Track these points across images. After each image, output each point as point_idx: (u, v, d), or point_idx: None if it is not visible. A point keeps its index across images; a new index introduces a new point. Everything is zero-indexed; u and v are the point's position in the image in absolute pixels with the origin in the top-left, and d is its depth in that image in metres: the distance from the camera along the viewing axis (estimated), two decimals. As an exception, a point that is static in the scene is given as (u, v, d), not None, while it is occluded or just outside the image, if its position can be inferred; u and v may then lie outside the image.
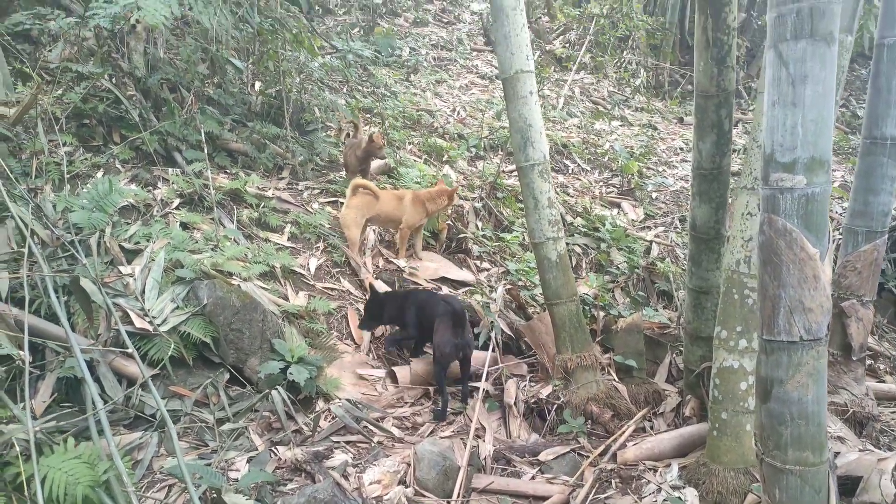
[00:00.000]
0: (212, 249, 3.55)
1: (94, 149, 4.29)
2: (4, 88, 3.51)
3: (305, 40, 4.98)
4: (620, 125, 9.65)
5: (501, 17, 2.80)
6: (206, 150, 4.14)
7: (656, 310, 4.88)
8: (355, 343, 3.40)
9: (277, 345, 3.10)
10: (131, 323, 2.87)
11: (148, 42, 4.86)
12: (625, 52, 11.62)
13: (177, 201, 4.05)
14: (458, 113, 8.76)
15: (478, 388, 3.09)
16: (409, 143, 6.90)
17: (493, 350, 3.29)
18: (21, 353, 2.24)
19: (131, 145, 4.37)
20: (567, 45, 11.94)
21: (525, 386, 3.09)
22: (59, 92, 4.35)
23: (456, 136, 7.70)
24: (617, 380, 3.11)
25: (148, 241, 3.49)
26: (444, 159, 6.84)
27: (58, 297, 2.81)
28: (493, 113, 9.13)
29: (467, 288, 3.96)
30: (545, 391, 3.00)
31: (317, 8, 10.33)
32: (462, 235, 4.61)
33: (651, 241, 5.90)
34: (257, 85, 5.74)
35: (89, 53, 4.54)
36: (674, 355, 3.40)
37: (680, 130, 9.61)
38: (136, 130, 4.39)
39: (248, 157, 5.00)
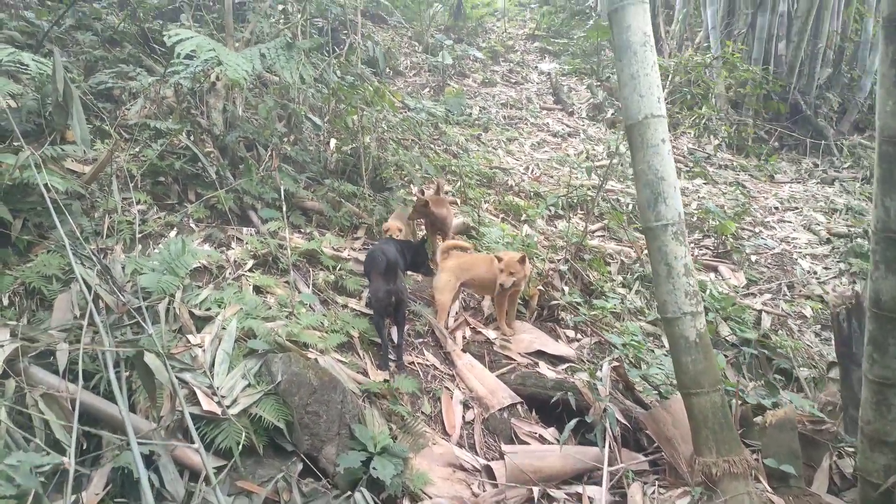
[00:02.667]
0: (286, 317, 3.21)
1: (167, 207, 4.11)
2: (83, 146, 3.36)
3: (386, 95, 4.75)
4: (704, 183, 9.09)
5: (628, 55, 2.43)
6: (283, 209, 3.87)
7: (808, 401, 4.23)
8: (445, 429, 2.94)
9: (358, 431, 2.67)
10: (198, 403, 2.51)
11: (227, 99, 4.75)
12: (703, 108, 11.16)
13: (250, 263, 3.76)
14: (532, 171, 8.42)
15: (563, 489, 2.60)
16: (486, 202, 6.56)
17: (609, 445, 2.75)
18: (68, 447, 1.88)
19: (206, 204, 4.17)
20: (641, 102, 11.58)
21: (654, 492, 2.53)
22: (136, 149, 4.23)
23: (532, 194, 7.33)
24: (771, 490, 2.52)
25: (220, 306, 3.18)
26: (522, 218, 6.45)
27: (118, 373, 2.50)
28: (567, 170, 8.78)
29: (567, 364, 3.45)
30: (682, 502, 2.44)
31: (388, 70, 10.38)
32: (554, 302, 4.14)
33: (760, 311, 5.25)
34: (332, 142, 5.57)
35: (168, 111, 4.43)
36: (834, 458, 2.78)
37: (772, 189, 8.95)
38: (212, 188, 4.20)
39: (323, 216, 4.74)
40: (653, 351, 4.06)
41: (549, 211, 6.79)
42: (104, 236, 3.68)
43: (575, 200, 7.27)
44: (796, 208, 8.03)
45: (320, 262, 3.92)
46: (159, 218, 3.98)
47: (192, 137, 4.24)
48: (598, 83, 12.68)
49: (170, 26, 4.93)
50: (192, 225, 4.04)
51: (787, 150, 10.51)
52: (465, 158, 7.67)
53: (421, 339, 3.54)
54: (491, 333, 3.59)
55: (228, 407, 2.50)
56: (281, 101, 4.72)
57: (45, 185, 3.32)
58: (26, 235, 3.51)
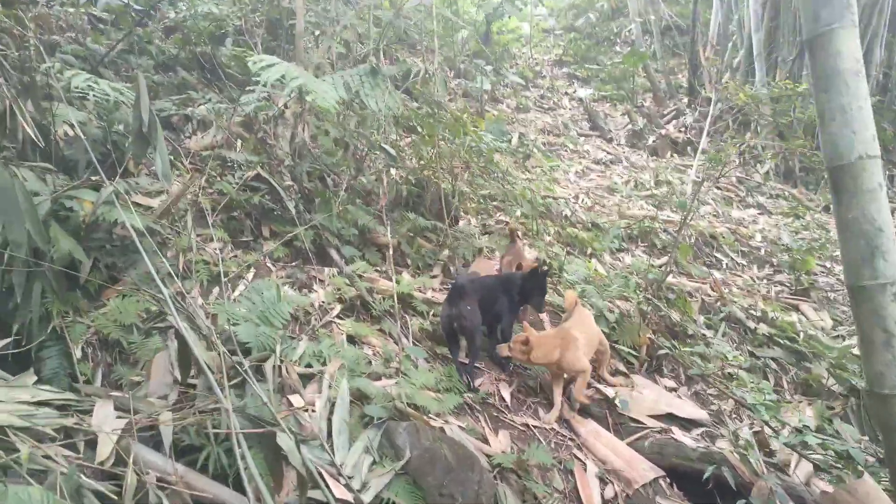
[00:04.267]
0: (395, 374, 2.86)
1: (242, 245, 3.78)
2: (164, 180, 3.06)
3: (468, 123, 4.46)
4: (759, 213, 8.75)
5: (836, 85, 2.11)
6: (387, 254, 3.55)
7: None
8: (584, 508, 2.57)
9: (499, 517, 2.31)
10: (318, 486, 2.15)
11: (294, 128, 4.46)
12: (748, 135, 10.87)
13: (337, 307, 3.43)
14: (582, 200, 8.10)
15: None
16: (547, 234, 6.23)
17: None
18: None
19: (283, 241, 3.85)
20: (683, 129, 11.30)
21: None
22: (205, 181, 3.93)
23: (590, 224, 7.01)
24: None
25: (319, 361, 2.84)
26: (588, 252, 6.11)
27: (227, 449, 2.14)
28: (618, 199, 8.47)
29: (702, 429, 3.08)
30: None
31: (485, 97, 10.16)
32: (662, 352, 3.78)
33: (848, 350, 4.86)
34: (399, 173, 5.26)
35: (238, 140, 4.14)
36: None
37: (829, 219, 8.60)
38: (287, 224, 3.88)
39: (397, 253, 4.42)
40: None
41: (613, 244, 6.44)
42: (180, 277, 3.36)
43: (635, 232, 6.94)
44: (862, 241, 7.67)
45: (412, 306, 3.59)
46: (235, 257, 3.65)
47: (268, 170, 3.93)
48: (636, 109, 12.44)
49: (250, 53, 4.66)
50: (270, 264, 3.71)
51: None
52: (518, 188, 7.35)
53: (533, 398, 3.18)
54: (610, 391, 3.23)
55: (360, 491, 2.14)
56: (355, 130, 4.41)
57: (121, 223, 3.04)
58: (96, 277, 3.19)
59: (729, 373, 4.43)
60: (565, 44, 17.28)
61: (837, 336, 5.37)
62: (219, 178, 3.92)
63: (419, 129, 4.61)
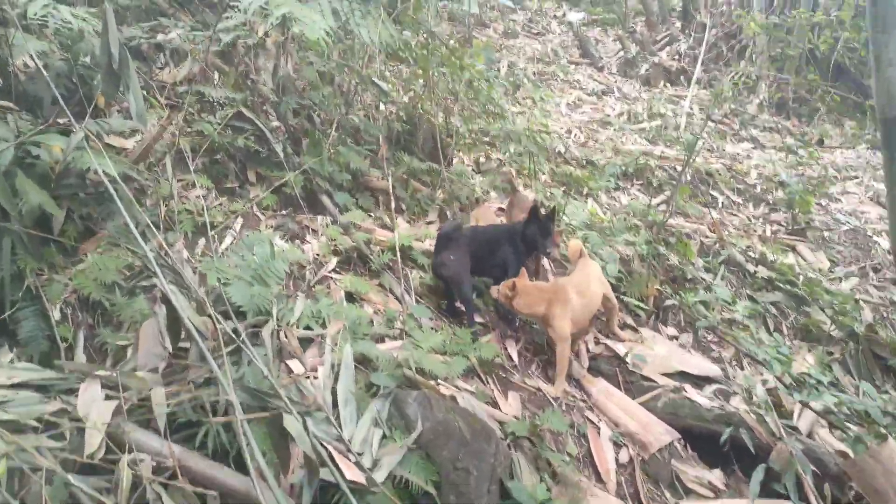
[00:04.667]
0: (399, 336, 2.70)
1: (228, 191, 3.51)
2: (139, 122, 2.75)
3: (464, 56, 4.13)
4: (753, 148, 8.58)
5: (905, 34, 1.88)
6: (380, 199, 3.32)
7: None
8: (598, 475, 2.49)
9: (514, 490, 2.22)
10: (325, 465, 2.02)
11: (278, 59, 4.09)
12: (741, 63, 10.55)
13: (333, 261, 3.22)
14: (575, 135, 7.83)
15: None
16: (542, 173, 6.00)
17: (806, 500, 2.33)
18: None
19: (270, 186, 3.59)
20: (677, 56, 10.92)
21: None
22: (183, 121, 3.60)
23: (584, 162, 6.78)
24: None
25: (318, 322, 2.66)
26: (584, 192, 5.92)
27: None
28: (611, 133, 8.21)
29: (716, 386, 3.00)
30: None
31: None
32: (669, 303, 3.67)
33: (857, 300, 4.84)
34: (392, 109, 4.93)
35: (217, 74, 3.78)
36: None
37: (823, 154, 8.47)
38: (275, 168, 3.61)
39: (388, 196, 4.18)
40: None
41: (609, 182, 6.24)
42: (162, 229, 3.11)
43: (630, 169, 6.74)
44: (855, 177, 7.59)
45: (412, 258, 3.40)
46: (220, 205, 3.39)
47: (251, 108, 3.60)
48: (628, 35, 11.95)
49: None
50: (258, 213, 3.46)
51: (829, 111, 9.98)
52: (508, 121, 7.04)
53: (542, 355, 3.06)
54: (620, 347, 3.12)
55: (372, 470, 2.01)
56: (342, 61, 4.05)
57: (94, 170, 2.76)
58: (71, 229, 2.93)
59: (730, 319, 4.37)
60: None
61: (834, 278, 5.33)
62: (198, 117, 3.59)
63: (410, 62, 4.27)
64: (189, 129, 3.51)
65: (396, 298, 3.08)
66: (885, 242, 5.98)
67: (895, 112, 1.93)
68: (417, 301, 3.09)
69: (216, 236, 3.20)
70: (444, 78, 4.25)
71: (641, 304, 3.56)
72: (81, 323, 2.69)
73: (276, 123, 3.58)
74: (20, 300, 2.67)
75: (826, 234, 6.12)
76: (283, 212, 3.49)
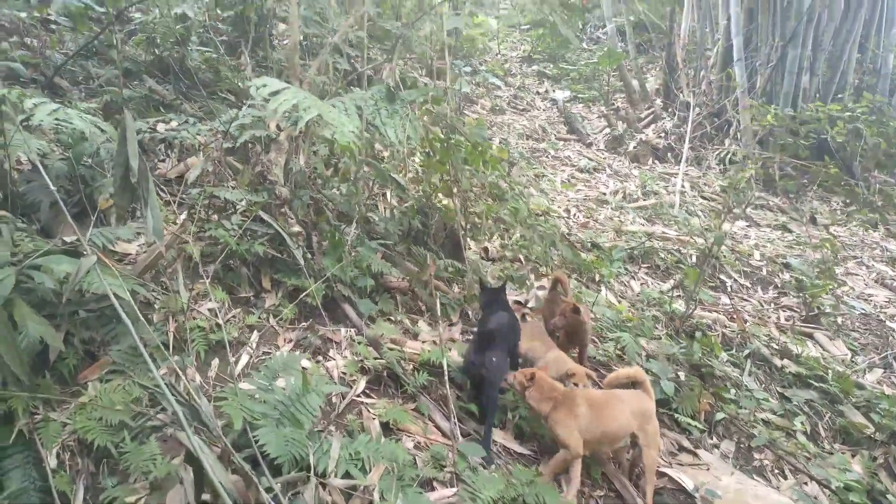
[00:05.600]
0: (451, 480, 2.38)
1: (241, 301, 3.21)
2: (156, 237, 2.47)
3: (487, 152, 3.99)
4: (748, 225, 8.60)
5: None
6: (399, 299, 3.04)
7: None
8: None
9: None
10: None
11: (291, 154, 3.89)
12: (726, 142, 10.75)
13: (362, 381, 2.91)
14: (575, 214, 7.75)
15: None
16: (553, 259, 5.81)
17: None
18: None
19: (285, 293, 3.31)
20: (663, 134, 11.10)
21: None
22: (195, 226, 3.33)
23: (589, 244, 6.64)
24: None
25: (357, 466, 2.34)
26: (596, 279, 5.74)
27: None
28: (609, 212, 8.14)
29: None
30: None
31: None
32: (722, 416, 3.41)
33: (892, 395, 4.65)
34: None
35: (232, 172, 3.55)
36: None
37: (817, 233, 8.51)
38: (291, 272, 3.33)
39: (408, 296, 3.93)
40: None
41: (619, 268, 6.09)
42: (171, 349, 2.79)
43: (636, 252, 6.62)
44: (856, 257, 7.59)
45: (441, 372, 3.10)
46: (234, 317, 3.09)
47: (269, 210, 3.36)
48: (613, 112, 12.18)
49: (221, 57, 4.04)
50: (275, 325, 3.16)
51: (816, 187, 10.13)
52: (511, 202, 6.92)
53: (600, 492, 2.75)
54: (686, 479, 2.83)
55: None
56: (363, 158, 3.86)
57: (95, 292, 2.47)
58: (70, 355, 2.59)
59: (764, 420, 4.14)
60: (532, 40, 16.86)
61: (858, 370, 5.16)
62: (209, 219, 3.33)
63: (430, 155, 4.10)
64: (202, 234, 3.24)
65: (436, 426, 2.76)
66: (899, 328, 5.88)
67: None
68: (462, 432, 2.78)
69: (231, 354, 2.89)
70: (465, 172, 4.09)
71: (694, 423, 3.30)
72: (82, 471, 2.33)
73: (296, 229, 3.33)
74: (10, 446, 2.31)
75: (839, 319, 5.99)
76: (304, 324, 3.19)
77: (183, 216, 3.55)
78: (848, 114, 8.58)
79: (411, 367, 3.04)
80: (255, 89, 2.86)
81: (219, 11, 6.19)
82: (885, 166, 10.45)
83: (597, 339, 4.01)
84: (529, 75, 14.83)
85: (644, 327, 4.28)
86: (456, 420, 2.75)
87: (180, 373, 2.49)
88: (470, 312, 4.01)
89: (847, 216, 9.10)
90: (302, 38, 4.85)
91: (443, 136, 3.96)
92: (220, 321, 2.86)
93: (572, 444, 2.67)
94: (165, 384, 2.25)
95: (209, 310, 3.01)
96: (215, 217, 3.28)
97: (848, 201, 9.65)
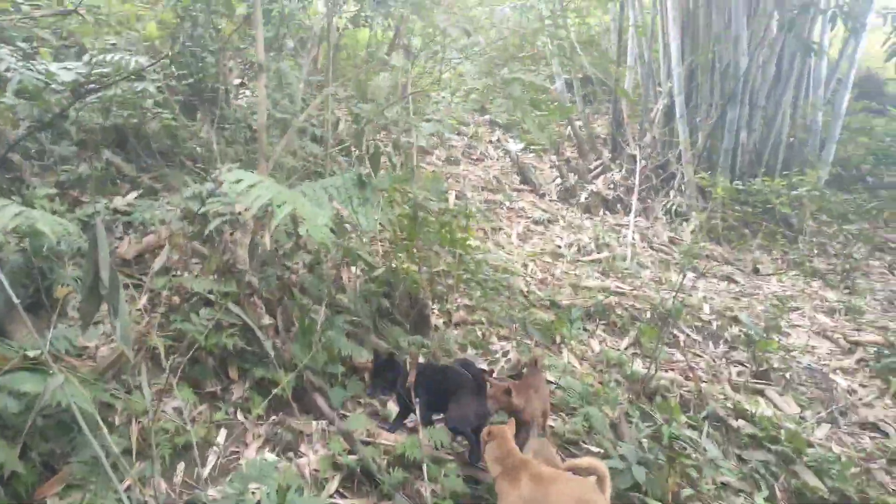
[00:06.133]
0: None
1: (208, 396, 3.13)
2: (124, 344, 2.39)
3: (456, 231, 4.05)
4: (696, 277, 8.92)
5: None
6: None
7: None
8: None
9: None
10: None
11: (256, 233, 3.86)
12: (671, 194, 11.20)
13: (337, 479, 2.86)
14: (532, 269, 7.89)
15: None
16: (516, 319, 5.88)
17: None
18: None
19: (253, 384, 3.24)
20: (612, 185, 11.48)
21: None
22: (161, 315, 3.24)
23: (548, 302, 6.75)
24: None
25: (337, 582, 2.28)
26: (557, 341, 5.83)
27: None
28: (565, 266, 8.32)
29: None
30: None
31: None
32: (687, 493, 3.49)
33: (840, 454, 4.86)
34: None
35: (198, 258, 3.49)
36: None
37: (760, 283, 8.91)
38: (258, 362, 3.27)
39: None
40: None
41: (579, 329, 6.21)
42: (134, 455, 2.68)
43: (593, 310, 6.77)
44: (798, 308, 7.96)
45: (418, 466, 3.08)
46: (200, 414, 3.00)
47: (239, 300, 3.30)
48: (564, 163, 12.55)
49: (180, 122, 4.00)
50: (244, 420, 3.08)
51: (755, 236, 10.62)
52: (470, 261, 6.99)
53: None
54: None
55: None
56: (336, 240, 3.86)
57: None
58: (27, 472, 2.46)
59: (723, 482, 4.25)
60: (483, 89, 17.24)
61: (808, 426, 5.37)
62: (175, 309, 3.25)
63: (398, 231, 4.14)
64: (166, 326, 3.15)
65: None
66: (843, 381, 6.17)
67: None
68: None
69: (198, 456, 2.79)
70: (433, 250, 4.14)
71: (663, 505, 3.37)
72: None
73: (267, 320, 3.28)
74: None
75: (787, 374, 6.24)
76: (274, 418, 3.12)
77: (143, 300, 3.46)
78: (794, 192, 9.22)
79: (386, 461, 3.01)
80: (228, 185, 2.85)
81: (174, 69, 6.16)
82: (815, 217, 11.08)
83: (563, 415, 4.06)
84: (482, 124, 15.17)
85: (609, 397, 4.36)
86: (434, 521, 2.72)
87: (143, 486, 2.39)
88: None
89: (787, 266, 9.56)
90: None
91: (410, 214, 4.00)
92: (187, 422, 2.77)
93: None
94: (129, 498, 2.16)
95: (174, 408, 2.91)
96: (182, 305, 3.21)
97: (786, 250, 10.16)
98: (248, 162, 5.25)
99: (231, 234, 3.70)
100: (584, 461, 2.93)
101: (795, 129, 11.55)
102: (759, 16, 10.45)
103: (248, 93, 6.58)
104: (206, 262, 3.39)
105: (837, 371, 6.40)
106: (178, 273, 3.26)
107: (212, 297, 3.17)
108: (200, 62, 5.52)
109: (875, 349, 6.71)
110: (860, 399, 5.95)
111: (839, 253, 9.92)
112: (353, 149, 4.55)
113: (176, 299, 3.25)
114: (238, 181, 2.88)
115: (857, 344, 6.90)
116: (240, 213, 3.79)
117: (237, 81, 6.73)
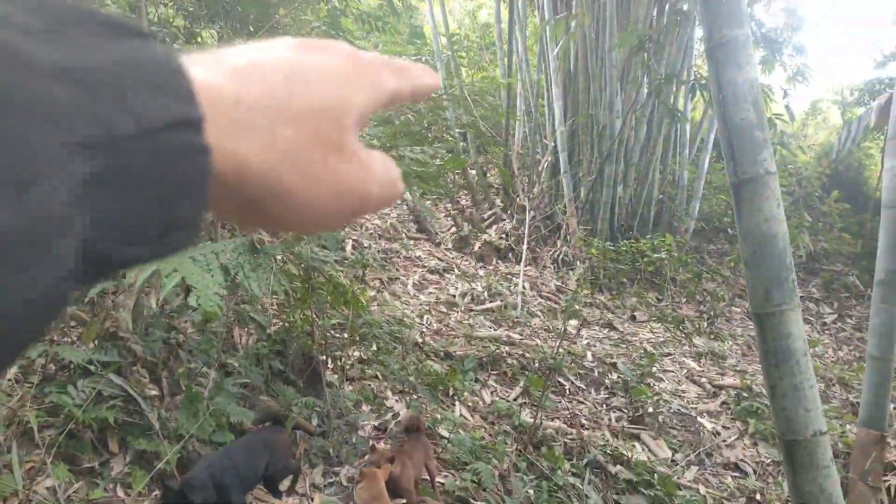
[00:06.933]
0: None
1: (84, 472, 2.98)
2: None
3: (349, 292, 4.14)
4: (580, 325, 9.46)
5: (789, 365, 2.24)
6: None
7: None
8: None
9: None
10: None
11: (141, 294, 3.76)
12: (558, 243, 11.88)
13: (223, 556, 2.80)
14: (428, 320, 8.06)
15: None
16: (407, 373, 5.99)
17: None
18: None
19: (134, 457, 3.12)
20: (503, 235, 12.00)
21: None
22: (32, 388, 3.07)
23: (442, 354, 6.93)
24: None
25: None
26: (450, 394, 5.99)
27: None
28: (458, 315, 8.57)
29: None
30: None
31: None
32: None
33: (706, 495, 5.31)
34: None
35: (76, 322, 3.35)
36: None
37: (637, 330, 9.59)
38: (141, 434, 3.17)
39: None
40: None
41: (472, 381, 6.41)
42: (-1, 544, 2.51)
43: (485, 360, 7.02)
44: (669, 354, 8.63)
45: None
46: (76, 492, 2.86)
47: (120, 370, 3.19)
48: (458, 212, 12.97)
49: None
50: (122, 494, 2.96)
51: (632, 285, 11.46)
52: (365, 313, 7.06)
53: None
54: None
55: None
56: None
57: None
58: None
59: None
60: (382, 137, 17.54)
61: (678, 468, 5.82)
62: (50, 379, 3.09)
63: (289, 292, 4.16)
64: (40, 398, 2.99)
65: None
66: (708, 424, 6.75)
67: (791, 437, 2.26)
68: None
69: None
70: (326, 310, 4.19)
71: (546, 555, 3.56)
72: None
73: (154, 392, 3.19)
74: None
75: (660, 417, 6.75)
76: (156, 492, 3.02)
77: (14, 370, 3.26)
78: (657, 255, 10.14)
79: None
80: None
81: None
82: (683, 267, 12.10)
83: (454, 471, 4.19)
84: (379, 171, 15.38)
85: (497, 451, 4.54)
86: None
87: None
88: (332, 451, 4.01)
89: (660, 312, 10.36)
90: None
91: (303, 276, 4.05)
92: (62, 502, 2.64)
93: None
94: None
95: (47, 488, 2.76)
96: (58, 375, 3.06)
97: (660, 298, 11.03)
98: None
99: (115, 294, 3.58)
100: None
101: (665, 185, 12.72)
102: (630, 83, 11.53)
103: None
104: (85, 328, 3.26)
105: (704, 414, 7.00)
106: (55, 340, 3.11)
107: (91, 367, 3.05)
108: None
109: (735, 392, 7.43)
110: (724, 440, 6.54)
111: (704, 301, 10.91)
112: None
113: (52, 367, 3.10)
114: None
115: (720, 388, 7.59)
116: (122, 276, 3.70)
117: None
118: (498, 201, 13.66)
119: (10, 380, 3.13)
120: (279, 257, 4.25)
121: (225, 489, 2.72)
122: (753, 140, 2.47)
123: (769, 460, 6.16)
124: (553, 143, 12.06)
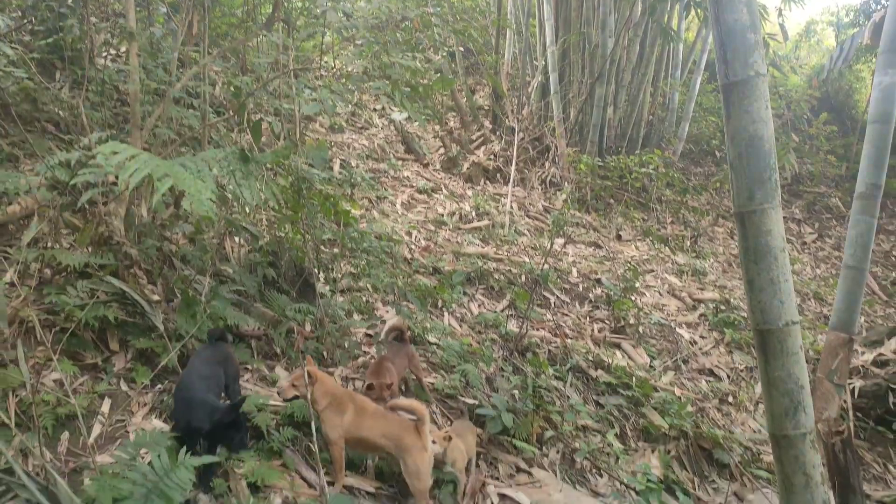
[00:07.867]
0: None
1: (88, 368, 3.11)
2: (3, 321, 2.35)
3: (340, 204, 4.19)
4: (566, 243, 9.62)
5: (768, 260, 2.34)
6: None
7: None
8: None
9: None
10: None
11: (132, 203, 3.80)
12: (546, 165, 11.88)
13: (226, 441, 2.98)
14: (416, 237, 8.17)
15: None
16: (397, 287, 6.13)
17: None
18: None
19: (136, 354, 3.26)
20: (492, 156, 11.96)
21: None
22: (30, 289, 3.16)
23: (431, 269, 7.07)
24: None
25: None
26: (439, 305, 6.16)
27: None
28: (447, 233, 8.67)
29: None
30: None
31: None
32: (551, 435, 3.95)
33: (680, 396, 5.61)
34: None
35: (70, 229, 3.40)
36: None
37: (622, 248, 9.77)
38: (140, 333, 3.28)
39: (263, 341, 4.02)
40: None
41: (460, 294, 6.58)
42: (13, 425, 2.66)
43: (472, 274, 7.17)
44: (652, 270, 8.85)
45: (307, 423, 3.27)
46: (82, 385, 3.00)
47: (117, 271, 3.27)
48: (447, 133, 12.85)
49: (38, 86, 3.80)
50: (127, 389, 3.11)
51: (619, 204, 11.56)
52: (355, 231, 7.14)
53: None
54: (524, 497, 3.27)
55: None
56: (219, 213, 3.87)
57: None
58: None
59: (584, 426, 4.82)
60: (365, 54, 17.08)
61: (656, 373, 6.11)
62: (48, 282, 3.17)
63: (282, 203, 4.21)
64: (39, 300, 3.08)
65: (303, 479, 2.93)
66: (686, 334, 7.03)
67: (765, 326, 2.40)
68: (326, 477, 2.97)
69: (80, 426, 2.81)
70: (319, 220, 4.26)
71: (529, 447, 3.79)
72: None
73: (156, 298, 3.28)
74: None
75: (641, 329, 7.01)
76: (159, 385, 3.17)
77: (11, 274, 3.33)
78: (644, 169, 10.12)
79: (275, 421, 3.16)
80: (103, 158, 2.82)
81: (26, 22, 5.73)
82: (672, 185, 12.21)
83: (443, 372, 4.39)
84: (366, 91, 15.08)
85: (484, 356, 4.75)
86: (323, 472, 2.94)
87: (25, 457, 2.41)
88: (325, 354, 4.18)
89: (644, 232, 10.54)
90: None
91: (294, 187, 4.09)
92: (69, 393, 2.77)
93: (334, 438, 2.99)
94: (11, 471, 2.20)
95: (54, 381, 2.89)
96: (54, 278, 3.14)
97: (645, 217, 11.18)
98: (116, 127, 5.06)
99: (105, 204, 3.61)
100: (406, 402, 3.18)
101: (655, 107, 12.61)
102: (624, 1, 11.21)
103: (113, 52, 6.22)
104: (79, 233, 3.31)
105: (682, 325, 7.28)
106: (49, 246, 3.17)
107: (88, 270, 3.13)
108: (60, 20, 5.17)
109: (713, 305, 7.70)
110: (700, 349, 6.84)
111: (688, 221, 11.09)
112: (233, 115, 4.50)
113: (48, 272, 3.17)
114: (114, 153, 2.86)
115: (699, 301, 7.85)
116: (113, 183, 3.71)
117: (101, 39, 6.33)
118: (487, 123, 13.52)
119: (7, 283, 3.20)
120: (270, 168, 4.28)
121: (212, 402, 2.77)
122: (745, 41, 2.48)
123: (743, 366, 6.50)
124: (544, 63, 11.83)
